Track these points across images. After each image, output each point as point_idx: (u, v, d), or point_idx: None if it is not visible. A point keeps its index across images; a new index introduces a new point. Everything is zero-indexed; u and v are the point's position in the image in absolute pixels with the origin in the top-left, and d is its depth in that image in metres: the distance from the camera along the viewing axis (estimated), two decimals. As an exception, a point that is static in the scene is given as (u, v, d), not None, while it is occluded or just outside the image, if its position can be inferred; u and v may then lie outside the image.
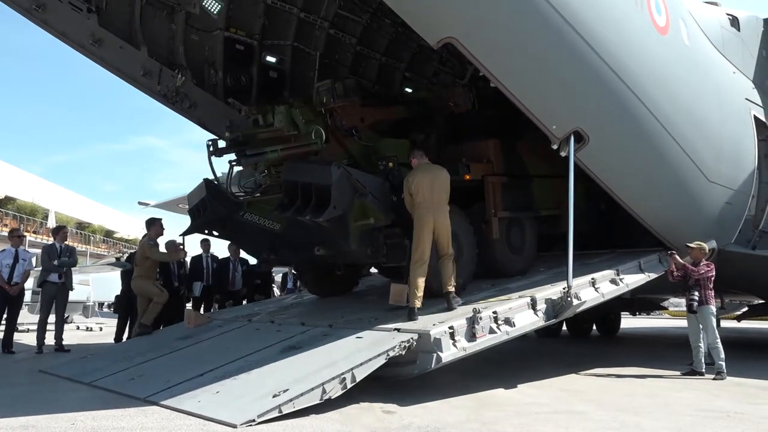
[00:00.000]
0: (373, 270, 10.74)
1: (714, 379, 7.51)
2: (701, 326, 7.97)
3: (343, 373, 5.12)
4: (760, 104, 10.73)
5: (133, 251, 11.52)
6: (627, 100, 7.40)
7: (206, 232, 8.80)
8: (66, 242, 10.26)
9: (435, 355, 5.61)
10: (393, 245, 7.32)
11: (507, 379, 6.87)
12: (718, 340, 7.86)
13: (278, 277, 16.98)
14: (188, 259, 11.81)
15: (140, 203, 30.49)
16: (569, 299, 6.96)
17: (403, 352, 5.59)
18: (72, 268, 10.31)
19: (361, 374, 5.23)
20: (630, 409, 5.52)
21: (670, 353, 10.28)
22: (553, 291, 7.15)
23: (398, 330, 5.98)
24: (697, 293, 7.97)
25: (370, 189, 7.05)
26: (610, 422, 4.90)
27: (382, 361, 5.40)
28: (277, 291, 17.04)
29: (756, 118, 10.41)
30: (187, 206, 8.88)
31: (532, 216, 8.88)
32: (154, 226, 9.72)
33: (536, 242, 8.92)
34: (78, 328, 14.95)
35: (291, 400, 4.74)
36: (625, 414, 5.28)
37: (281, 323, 7.30)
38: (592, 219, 9.43)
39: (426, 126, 8.96)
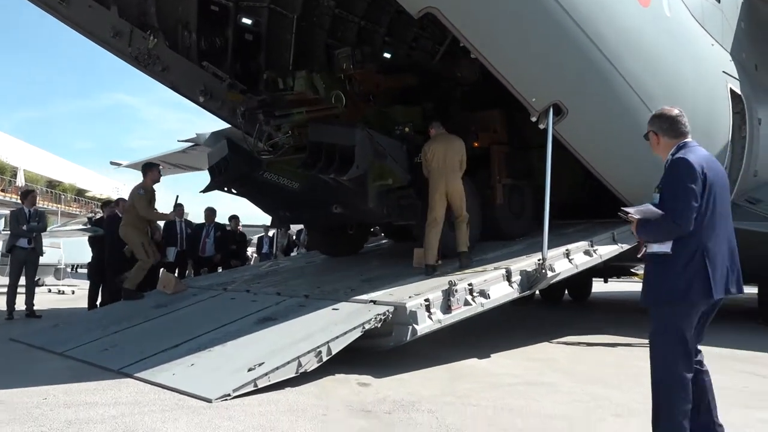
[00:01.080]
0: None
1: None
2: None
3: (318, 347, 5.14)
4: (737, 77, 10.79)
5: (101, 215, 11.31)
6: (606, 73, 7.39)
7: (225, 190, 9.00)
8: (35, 206, 10.01)
9: (410, 327, 5.66)
10: (407, 205, 7.90)
11: (481, 348, 6.96)
12: None
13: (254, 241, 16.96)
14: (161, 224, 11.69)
15: (112, 163, 29.79)
16: (543, 271, 7.05)
17: (379, 325, 5.62)
18: (42, 233, 10.11)
19: (336, 347, 5.25)
20: (600, 381, 5.65)
21: (638, 318, 10.46)
22: (528, 263, 7.22)
23: (374, 302, 6.01)
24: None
25: (390, 152, 7.59)
26: (581, 395, 5.01)
27: (357, 333, 5.43)
28: (252, 252, 17.02)
29: (732, 91, 10.48)
30: (207, 164, 9.07)
31: (532, 184, 9.11)
32: (152, 171, 8.92)
33: (534, 208, 9.14)
34: (50, 291, 14.77)
35: (266, 374, 4.75)
36: (594, 385, 5.40)
37: (257, 293, 7.28)
38: (586, 188, 9.76)
39: (435, 95, 9.07)
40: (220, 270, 11.06)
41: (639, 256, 3.64)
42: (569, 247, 7.92)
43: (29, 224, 9.47)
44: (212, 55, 9.82)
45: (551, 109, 7.18)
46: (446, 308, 6.10)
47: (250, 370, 4.82)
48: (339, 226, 9.61)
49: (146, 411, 4.18)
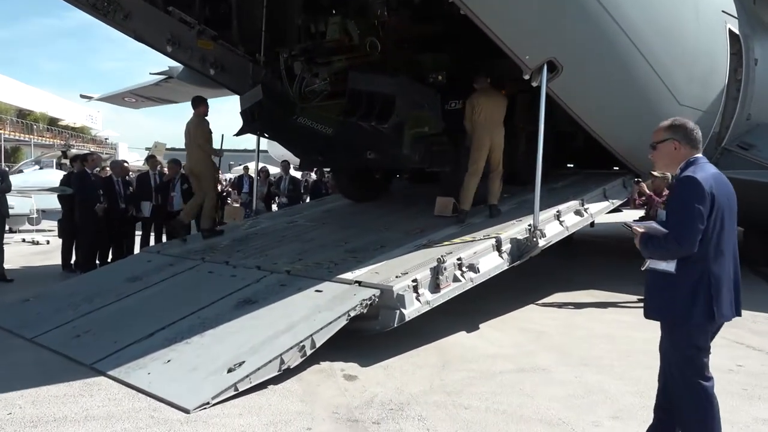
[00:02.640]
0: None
1: None
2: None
3: (302, 341, 4.88)
4: (735, 15, 10.24)
5: (71, 170, 10.72)
6: (604, 25, 6.89)
7: (258, 133, 9.38)
8: (-2, 166, 9.43)
9: (398, 312, 5.41)
10: (439, 152, 8.27)
11: (468, 315, 6.79)
12: None
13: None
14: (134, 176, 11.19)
15: (82, 96, 28.71)
16: (535, 239, 6.80)
17: (365, 311, 5.37)
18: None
19: (320, 339, 5.00)
20: (592, 362, 5.51)
21: (624, 264, 10.40)
22: (519, 229, 6.96)
23: (359, 283, 5.73)
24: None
25: (426, 100, 7.82)
26: (575, 387, 4.85)
27: (342, 323, 5.17)
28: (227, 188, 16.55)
29: (730, 32, 9.97)
30: (240, 108, 9.07)
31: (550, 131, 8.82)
32: (204, 105, 8.78)
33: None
34: (24, 240, 14.33)
35: (248, 375, 4.50)
36: (588, 370, 5.25)
37: (236, 265, 6.95)
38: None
39: (464, 42, 8.57)
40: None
41: (642, 269, 3.41)
42: (560, 208, 7.66)
43: (-9, 185, 8.94)
44: None
45: (545, 66, 6.71)
46: (435, 287, 5.84)
47: (229, 371, 4.57)
48: (366, 171, 9.98)
49: (119, 430, 3.93)
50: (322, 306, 5.41)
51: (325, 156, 9.18)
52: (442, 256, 6.04)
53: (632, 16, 7.13)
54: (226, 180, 31.00)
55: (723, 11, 9.75)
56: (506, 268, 6.62)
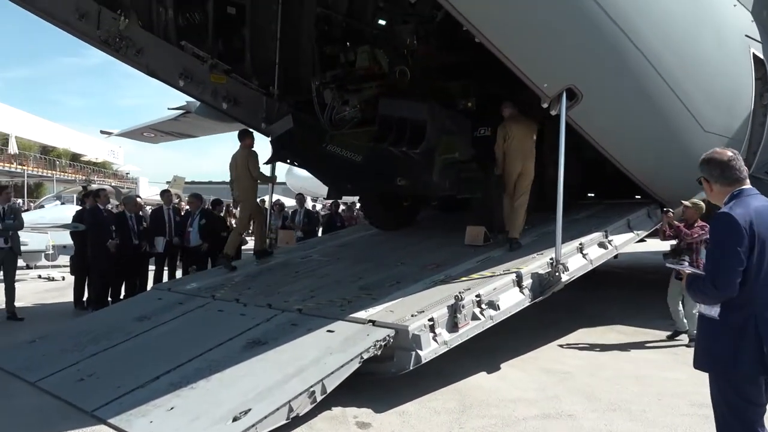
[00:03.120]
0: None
1: (687, 346, 7.15)
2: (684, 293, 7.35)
3: (312, 386, 4.61)
4: (759, 39, 9.97)
5: (84, 206, 10.66)
6: (625, 51, 6.66)
7: (288, 161, 9.54)
8: (9, 202, 9.37)
9: (414, 353, 5.13)
10: (469, 179, 8.21)
11: (488, 354, 6.46)
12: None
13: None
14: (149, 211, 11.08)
15: (103, 132, 29.13)
16: (557, 274, 6.49)
17: (379, 352, 5.09)
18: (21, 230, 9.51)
19: (332, 384, 4.73)
20: (622, 407, 5.14)
21: (648, 298, 10.01)
22: (540, 263, 6.67)
23: (373, 323, 5.46)
24: (687, 258, 7.35)
25: (456, 126, 7.91)
26: (604, 435, 4.51)
27: (355, 366, 4.90)
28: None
29: (754, 56, 9.70)
30: (271, 137, 9.31)
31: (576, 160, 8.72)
32: (249, 137, 9.07)
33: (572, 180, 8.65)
34: (40, 277, 14.27)
35: (254, 424, 4.23)
36: (618, 417, 4.90)
37: (246, 303, 6.72)
38: None
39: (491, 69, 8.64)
40: (209, 261, 10.46)
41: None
42: (583, 240, 7.38)
43: (4, 222, 8.86)
44: (191, 34, 9.02)
45: (564, 94, 6.49)
46: (452, 326, 5.55)
47: (235, 419, 4.31)
48: (396, 198, 9.95)
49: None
50: (334, 348, 5.15)
51: (355, 184, 9.19)
52: (459, 293, 5.76)
53: (653, 41, 6.91)
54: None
55: (747, 36, 9.51)
56: (528, 304, 6.32)
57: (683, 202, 7.66)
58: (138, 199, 11.08)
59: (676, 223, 7.70)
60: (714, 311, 2.97)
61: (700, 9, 8.17)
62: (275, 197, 16.34)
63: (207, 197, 28.49)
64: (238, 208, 9.54)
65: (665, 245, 8.03)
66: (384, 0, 11.34)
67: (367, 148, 8.27)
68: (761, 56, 9.79)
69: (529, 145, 7.63)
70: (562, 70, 6.42)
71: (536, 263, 6.67)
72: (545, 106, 6.58)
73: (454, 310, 5.56)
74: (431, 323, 5.35)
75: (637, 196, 9.95)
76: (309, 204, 30.31)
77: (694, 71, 7.82)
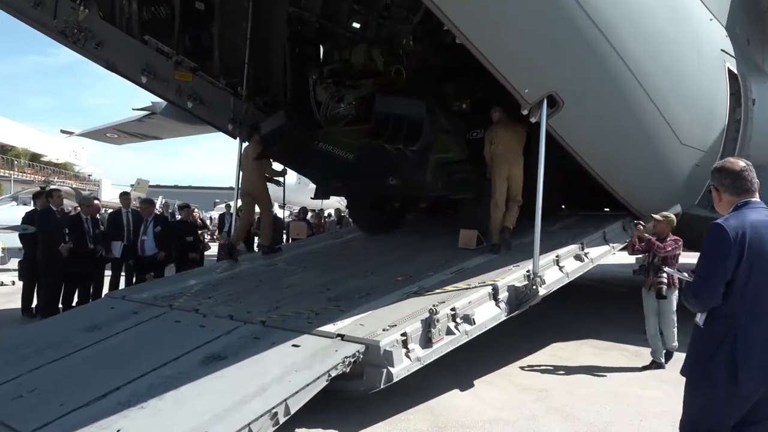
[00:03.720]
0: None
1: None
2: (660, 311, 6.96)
3: (274, 407, 4.23)
4: (733, 55, 9.97)
5: (33, 209, 10.07)
6: (608, 59, 6.48)
7: (277, 158, 9.33)
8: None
9: (385, 371, 4.79)
10: (461, 180, 8.14)
11: (461, 369, 6.15)
12: (675, 328, 6.96)
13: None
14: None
15: (63, 131, 28.14)
16: (534, 287, 6.23)
17: (347, 370, 4.75)
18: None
19: (296, 404, 4.36)
20: (602, 429, 4.88)
21: (619, 310, 9.86)
22: (517, 276, 6.41)
23: (342, 337, 5.10)
24: (665, 275, 6.89)
25: (452, 126, 7.91)
26: (586, 460, 4.23)
27: (322, 384, 4.54)
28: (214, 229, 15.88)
29: (729, 71, 9.67)
30: (261, 133, 9.24)
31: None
32: (257, 132, 9.21)
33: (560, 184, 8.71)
34: (-12, 281, 13.51)
35: (209, 452, 3.83)
36: (599, 439, 4.64)
37: (206, 313, 6.30)
38: None
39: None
40: (172, 267, 9.96)
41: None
42: (559, 252, 7.15)
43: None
44: (156, 28, 8.58)
45: (545, 101, 6.27)
46: (426, 341, 5.24)
47: (188, 445, 3.90)
48: (385, 199, 9.78)
49: None
50: (299, 364, 4.77)
51: (345, 182, 9.05)
52: (434, 305, 5.45)
53: (635, 50, 6.75)
54: (210, 219, 30.38)
55: (722, 50, 9.48)
56: (504, 318, 6.04)
57: (654, 215, 7.40)
58: (96, 201, 10.51)
59: (647, 236, 7.48)
60: (701, 319, 2.99)
61: (681, 21, 8.08)
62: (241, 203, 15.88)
63: (173, 201, 27.63)
64: (241, 202, 9.52)
65: (632, 258, 7.84)
66: (358, 2, 11.07)
67: (359, 147, 8.23)
68: (735, 71, 9.78)
69: (515, 150, 7.56)
70: (544, 76, 6.19)
71: (512, 276, 6.41)
72: (525, 112, 6.34)
73: (428, 324, 5.25)
74: (404, 338, 5.03)
75: (606, 209, 9.82)
76: (277, 210, 29.86)
77: (674, 83, 7.70)
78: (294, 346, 5.13)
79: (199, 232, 11.94)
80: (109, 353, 5.73)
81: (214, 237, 22.17)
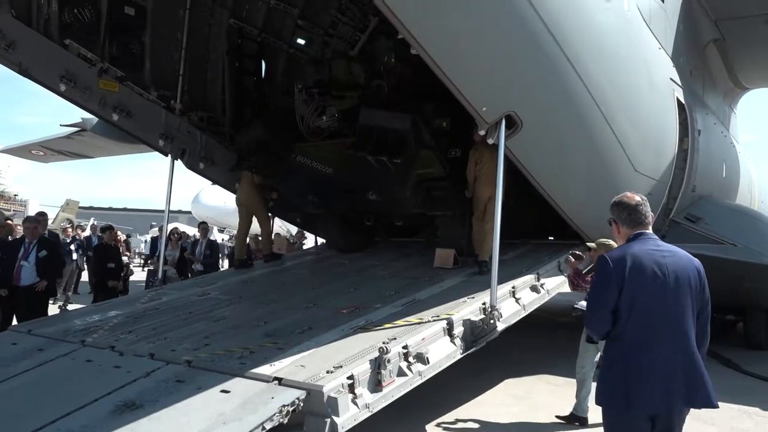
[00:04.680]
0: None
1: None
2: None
3: (195, 471, 3.53)
4: (680, 84, 9.97)
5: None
6: (567, 78, 6.20)
7: (252, 171, 9.05)
8: None
9: (329, 421, 4.14)
10: (440, 197, 8.17)
11: (413, 412, 5.60)
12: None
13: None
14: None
15: (-18, 148, 26.33)
16: (492, 321, 5.74)
17: (285, 420, 4.08)
18: None
19: (222, 465, 3.67)
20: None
21: (570, 344, 9.50)
22: (472, 309, 5.89)
23: (279, 381, 4.44)
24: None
25: (434, 142, 7.82)
26: None
27: (254, 439, 3.86)
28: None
29: (677, 100, 9.65)
30: (235, 144, 9.26)
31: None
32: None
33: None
34: None
35: None
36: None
37: (123, 351, 5.48)
38: None
39: None
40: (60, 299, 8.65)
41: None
42: (515, 283, 6.70)
43: None
44: (79, 32, 7.79)
45: (503, 122, 5.86)
46: (375, 384, 4.62)
47: None
48: (359, 216, 9.65)
49: None
50: (229, 415, 4.08)
51: (321, 197, 8.92)
52: (384, 344, 4.86)
53: (595, 73, 6.51)
54: (144, 242, 28.82)
55: (671, 79, 9.44)
56: (459, 357, 5.50)
57: (588, 244, 6.84)
58: (9, 222, 9.48)
59: (570, 272, 6.98)
60: (601, 347, 3.36)
61: (634, 47, 7.95)
62: (176, 225, 14.94)
63: (100, 223, 26.14)
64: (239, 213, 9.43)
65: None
66: (304, 18, 10.60)
67: (338, 160, 8.16)
68: (683, 101, 9.77)
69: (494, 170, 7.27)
70: (504, 95, 5.80)
71: (467, 309, 5.90)
72: (482, 133, 5.93)
73: (378, 364, 4.64)
74: (351, 382, 4.40)
75: (550, 237, 9.54)
76: (215, 235, 28.64)
77: (629, 108, 7.51)
78: (223, 392, 4.42)
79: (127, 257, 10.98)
80: (5, 399, 4.84)
81: (148, 262, 21.00)
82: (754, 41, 12.06)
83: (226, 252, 15.82)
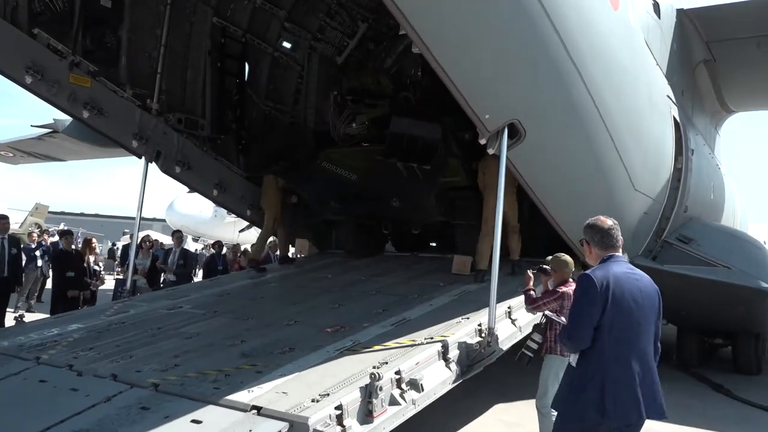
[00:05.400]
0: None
1: None
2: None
3: None
4: (675, 102, 9.74)
5: None
6: (575, 89, 5.85)
7: (275, 175, 9.19)
8: None
9: (313, 457, 3.66)
10: (462, 206, 8.41)
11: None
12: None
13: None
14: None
15: (-53, 150, 25.32)
16: (490, 344, 5.31)
17: (265, 456, 3.59)
18: None
19: None
20: None
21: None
22: (467, 331, 5.46)
23: (258, 410, 3.94)
24: (536, 336, 5.27)
25: (461, 152, 8.01)
26: None
27: (228, 479, 3.35)
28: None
29: (674, 118, 9.40)
30: (261, 147, 9.58)
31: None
32: None
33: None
34: None
35: None
36: None
37: (83, 371, 4.91)
38: None
39: None
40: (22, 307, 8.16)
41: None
42: (511, 303, 6.29)
43: None
44: (50, 22, 7.25)
45: (506, 130, 5.48)
46: (366, 414, 4.14)
47: None
48: (377, 223, 9.74)
49: None
50: (199, 449, 3.57)
51: (343, 203, 9.09)
52: (375, 368, 4.40)
53: (603, 86, 6.17)
54: (116, 248, 27.84)
55: (668, 96, 9.20)
56: (454, 384, 5.04)
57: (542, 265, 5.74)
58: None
59: (531, 293, 6.23)
60: (574, 359, 3.30)
61: (638, 61, 7.67)
62: (148, 233, 14.31)
63: (77, 230, 25.24)
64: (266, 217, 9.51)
65: None
66: (291, 21, 10.19)
67: (364, 167, 8.35)
68: (678, 119, 9.53)
69: (508, 179, 6.92)
70: (508, 102, 5.41)
71: (462, 330, 5.46)
72: (483, 142, 5.53)
73: (369, 392, 4.16)
74: (339, 412, 3.92)
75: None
76: (190, 244, 27.79)
77: (632, 124, 7.22)
78: (194, 422, 3.90)
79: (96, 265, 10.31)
80: (-61, 427, 4.26)
81: (116, 271, 20.22)
82: (744, 63, 11.95)
83: (198, 262, 15.15)
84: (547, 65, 5.44)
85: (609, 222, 3.47)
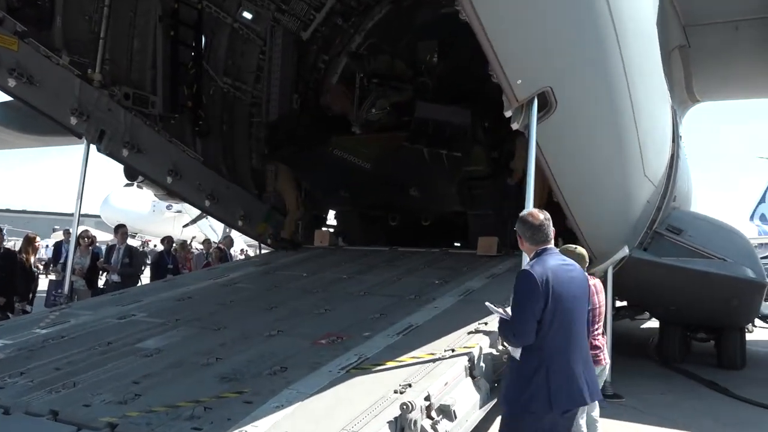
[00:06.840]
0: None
1: None
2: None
3: None
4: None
5: None
6: (611, 59, 5.06)
7: (283, 160, 9.08)
8: None
9: None
10: (480, 195, 8.23)
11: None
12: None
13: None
14: None
15: None
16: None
17: None
18: None
19: None
20: None
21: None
22: (492, 340, 4.56)
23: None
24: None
25: (484, 139, 7.87)
26: None
27: None
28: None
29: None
30: (267, 132, 9.32)
31: None
32: None
33: None
34: None
35: None
36: None
37: (9, 407, 3.73)
38: None
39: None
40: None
41: None
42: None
43: None
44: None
45: (535, 100, 4.61)
46: (396, 456, 3.20)
47: None
48: (383, 213, 9.56)
49: None
50: None
51: (353, 192, 8.91)
52: (398, 392, 3.46)
53: (635, 60, 5.41)
54: (45, 247, 25.75)
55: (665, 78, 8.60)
56: (488, 408, 4.13)
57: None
58: None
59: None
60: (516, 353, 3.32)
61: (653, 46, 7.00)
62: (84, 228, 12.84)
63: (2, 227, 23.26)
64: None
65: None
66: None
67: (379, 155, 8.13)
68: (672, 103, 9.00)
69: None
70: (544, 67, 4.55)
71: (486, 340, 4.56)
72: (508, 114, 4.64)
73: (402, 428, 3.22)
74: (364, 457, 2.96)
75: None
76: (130, 241, 25.99)
77: (649, 106, 6.52)
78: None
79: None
80: None
81: (50, 270, 18.49)
82: (717, 50, 11.65)
83: (146, 260, 13.79)
84: (592, 32, 4.66)
85: (541, 217, 3.46)
